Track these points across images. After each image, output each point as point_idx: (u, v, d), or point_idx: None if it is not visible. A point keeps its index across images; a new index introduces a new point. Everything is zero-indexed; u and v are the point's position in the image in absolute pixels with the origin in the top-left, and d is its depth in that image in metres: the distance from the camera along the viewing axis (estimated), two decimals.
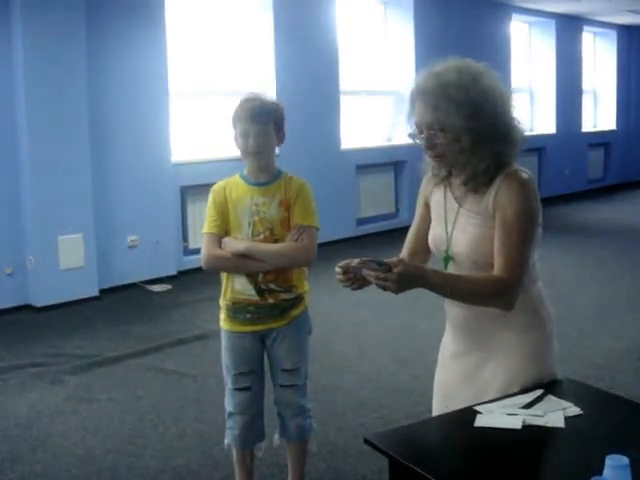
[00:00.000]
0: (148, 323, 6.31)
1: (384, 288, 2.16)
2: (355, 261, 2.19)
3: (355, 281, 2.23)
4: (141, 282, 7.45)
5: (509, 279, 2.20)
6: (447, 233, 2.37)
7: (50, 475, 3.79)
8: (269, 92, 8.34)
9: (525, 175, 2.27)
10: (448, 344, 2.51)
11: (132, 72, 7.36)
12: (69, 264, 6.81)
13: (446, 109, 2.21)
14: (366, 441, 2.08)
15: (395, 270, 2.12)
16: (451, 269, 2.36)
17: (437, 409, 2.53)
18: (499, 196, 2.24)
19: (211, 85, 8.45)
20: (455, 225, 2.35)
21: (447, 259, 2.37)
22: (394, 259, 2.17)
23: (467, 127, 2.21)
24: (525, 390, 2.25)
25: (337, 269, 2.23)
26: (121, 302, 6.98)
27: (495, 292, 2.23)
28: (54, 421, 4.41)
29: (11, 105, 6.58)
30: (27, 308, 6.73)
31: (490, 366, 2.34)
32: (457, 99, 2.20)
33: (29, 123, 6.55)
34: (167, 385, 4.96)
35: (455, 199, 2.37)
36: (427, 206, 2.51)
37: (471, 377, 2.39)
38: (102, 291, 7.11)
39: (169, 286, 7.44)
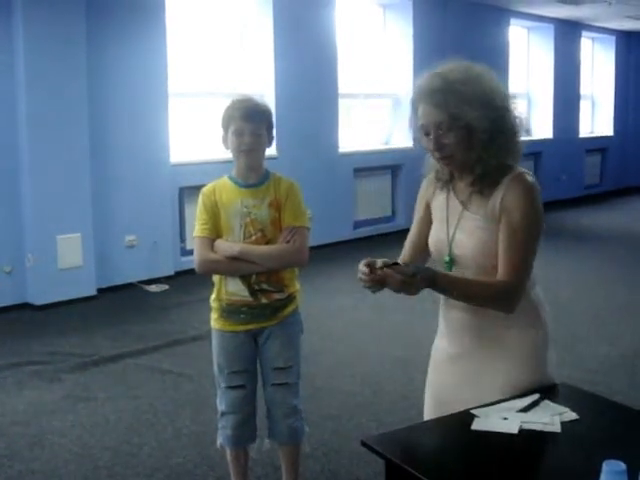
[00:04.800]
0: (145, 323, 6.32)
1: (401, 291, 2.16)
2: (379, 263, 2.17)
3: (377, 282, 2.18)
4: (139, 282, 7.46)
5: (513, 283, 2.22)
6: (448, 236, 2.37)
7: (47, 472, 3.80)
8: (268, 94, 8.44)
9: (531, 178, 2.29)
10: (444, 347, 2.49)
11: (132, 73, 7.37)
12: (67, 263, 6.82)
13: (455, 103, 2.21)
14: (363, 444, 2.08)
15: (419, 276, 2.14)
16: (455, 273, 2.35)
17: (430, 409, 2.51)
18: (506, 199, 2.25)
19: (210, 86, 8.47)
20: (458, 228, 2.35)
21: (449, 263, 2.37)
22: (409, 265, 2.20)
23: (480, 115, 2.21)
24: (522, 394, 2.26)
25: (362, 268, 2.18)
26: (119, 302, 6.99)
27: (499, 296, 2.25)
28: (52, 419, 4.42)
29: (12, 105, 6.59)
30: (25, 306, 6.74)
31: (491, 369, 2.34)
32: (465, 93, 2.21)
33: (29, 122, 6.57)
34: (164, 385, 4.97)
35: (460, 202, 2.37)
36: (428, 209, 2.50)
37: (471, 380, 2.38)
38: (100, 290, 7.12)
39: (166, 286, 7.45)
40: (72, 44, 6.77)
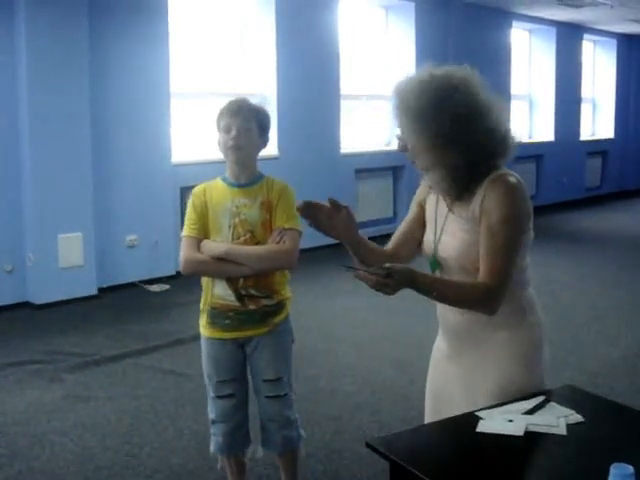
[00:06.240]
0: (146, 323, 6.31)
1: (378, 290, 2.17)
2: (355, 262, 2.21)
3: (312, 217, 2.40)
4: (140, 282, 7.46)
5: (494, 285, 2.22)
6: (435, 238, 2.40)
7: (47, 472, 3.80)
8: (270, 95, 8.43)
9: (512, 179, 2.27)
10: (441, 347, 2.53)
11: (134, 73, 7.37)
12: (68, 262, 6.82)
13: (398, 113, 2.28)
14: (368, 445, 2.07)
15: (395, 277, 2.13)
16: (439, 274, 2.38)
17: (429, 409, 2.55)
18: (485, 201, 2.25)
19: (212, 87, 8.47)
20: (444, 230, 2.37)
21: (434, 264, 2.39)
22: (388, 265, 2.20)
23: (418, 129, 2.24)
24: (526, 396, 2.26)
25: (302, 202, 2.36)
26: (119, 301, 6.99)
27: (479, 298, 2.25)
28: (52, 418, 4.42)
29: (13, 104, 6.59)
30: (26, 305, 6.74)
31: (482, 369, 2.36)
32: (414, 109, 2.23)
33: (31, 122, 6.57)
34: (164, 385, 4.96)
35: (447, 204, 2.39)
36: (421, 208, 2.53)
37: (463, 379, 2.40)
38: (101, 290, 7.12)
39: (167, 286, 7.45)
40: (74, 44, 6.77)
